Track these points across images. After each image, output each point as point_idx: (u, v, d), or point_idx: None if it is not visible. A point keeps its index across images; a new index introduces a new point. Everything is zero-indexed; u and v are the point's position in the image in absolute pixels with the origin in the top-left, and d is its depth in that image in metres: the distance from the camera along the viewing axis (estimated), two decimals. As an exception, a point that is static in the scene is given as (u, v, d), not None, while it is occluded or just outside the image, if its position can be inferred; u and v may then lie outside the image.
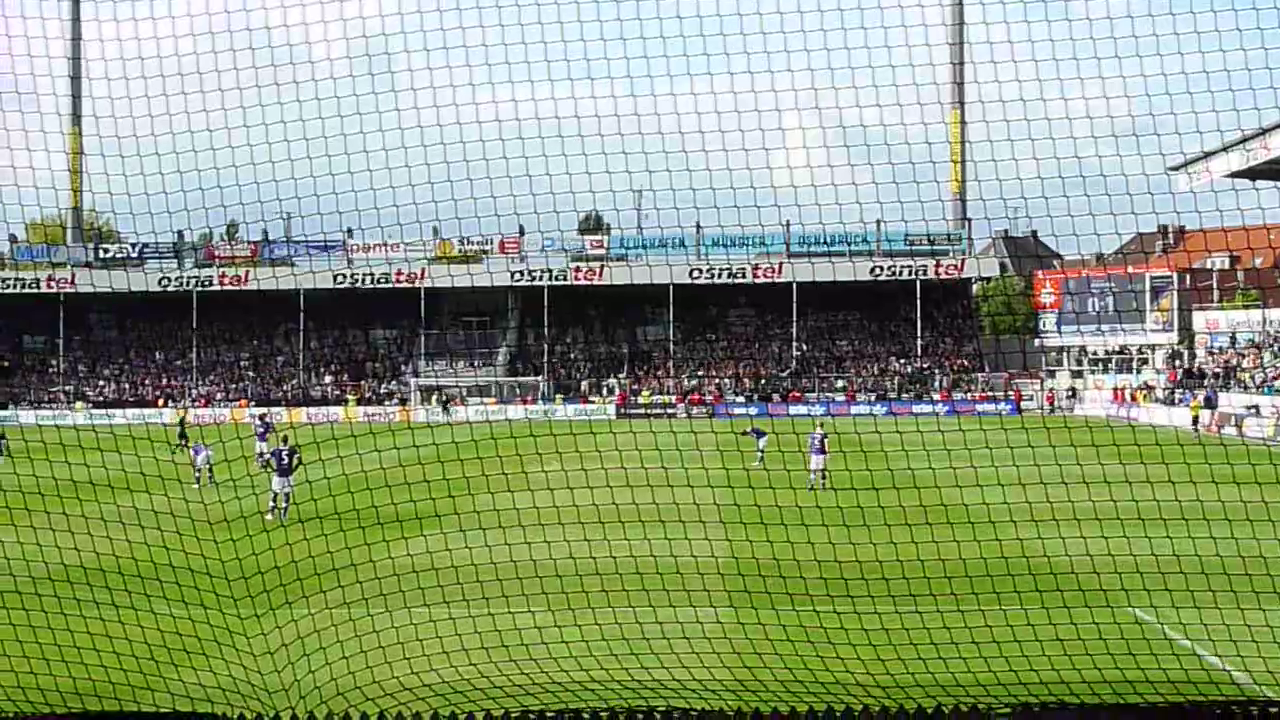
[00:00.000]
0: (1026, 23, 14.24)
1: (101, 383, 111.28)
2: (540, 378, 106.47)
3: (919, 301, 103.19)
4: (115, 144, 14.29)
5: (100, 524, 14.76)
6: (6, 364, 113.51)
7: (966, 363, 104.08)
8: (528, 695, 7.64)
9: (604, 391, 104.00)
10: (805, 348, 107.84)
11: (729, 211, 15.87)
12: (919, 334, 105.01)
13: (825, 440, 39.69)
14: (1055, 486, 16.44)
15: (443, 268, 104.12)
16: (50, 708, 5.77)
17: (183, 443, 54.00)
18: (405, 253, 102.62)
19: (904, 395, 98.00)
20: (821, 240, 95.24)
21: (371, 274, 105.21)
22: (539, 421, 77.87)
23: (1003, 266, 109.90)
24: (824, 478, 38.31)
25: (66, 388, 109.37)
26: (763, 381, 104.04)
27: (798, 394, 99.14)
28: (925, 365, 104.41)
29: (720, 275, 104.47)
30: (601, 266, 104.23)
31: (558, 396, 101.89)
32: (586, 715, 5.27)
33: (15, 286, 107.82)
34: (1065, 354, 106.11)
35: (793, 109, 14.87)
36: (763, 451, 43.67)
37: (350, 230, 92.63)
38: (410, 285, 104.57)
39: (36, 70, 15.01)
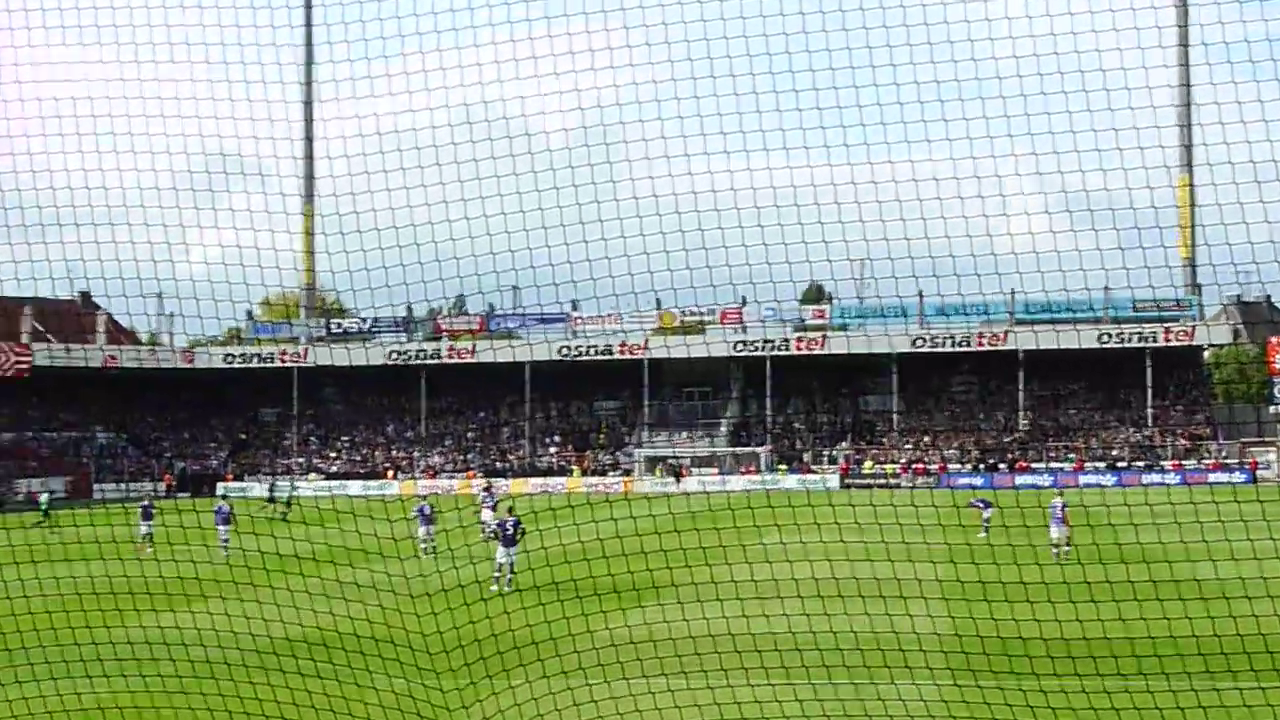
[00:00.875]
0: (1256, 83, 13.93)
1: (333, 454, 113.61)
2: (763, 448, 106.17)
3: (1149, 369, 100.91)
4: (346, 221, 14.65)
5: (324, 597, 15.03)
6: (243, 437, 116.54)
7: (1198, 431, 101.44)
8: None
9: (827, 461, 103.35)
10: (1031, 416, 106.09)
11: (951, 279, 15.72)
12: (1149, 402, 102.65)
13: (1065, 509, 39.12)
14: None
15: (665, 339, 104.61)
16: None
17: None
18: (627, 324, 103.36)
19: (1134, 465, 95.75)
20: (1047, 307, 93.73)
21: (595, 345, 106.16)
22: (761, 492, 77.60)
23: (1235, 332, 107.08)
24: (1066, 547, 37.72)
25: (299, 459, 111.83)
26: (988, 451, 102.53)
27: (1024, 464, 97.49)
28: (1155, 434, 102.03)
29: (944, 344, 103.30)
30: (824, 336, 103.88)
31: (781, 467, 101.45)
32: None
33: (251, 361, 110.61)
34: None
35: (1014, 175, 14.71)
36: (988, 522, 42.99)
37: (575, 303, 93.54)
38: (633, 357, 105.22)
39: (266, 153, 15.43)
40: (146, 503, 52.68)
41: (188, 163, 15.55)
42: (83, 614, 18.67)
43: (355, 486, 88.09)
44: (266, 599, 14.85)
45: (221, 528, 49.67)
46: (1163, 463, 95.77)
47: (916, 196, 14.34)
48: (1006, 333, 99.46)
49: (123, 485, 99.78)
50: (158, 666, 15.58)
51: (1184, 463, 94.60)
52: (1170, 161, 70.20)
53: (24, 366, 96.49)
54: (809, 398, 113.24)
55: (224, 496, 60.36)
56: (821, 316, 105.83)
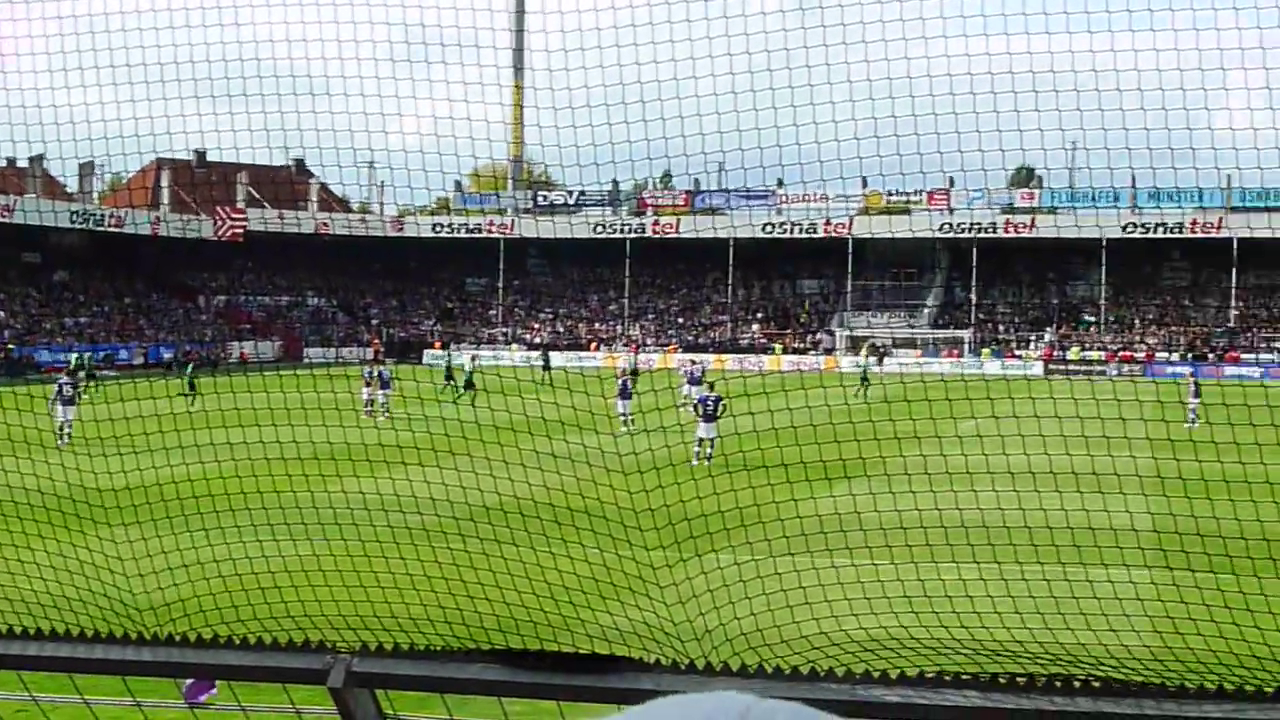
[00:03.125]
0: None
1: (537, 325, 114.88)
2: (967, 331, 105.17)
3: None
4: (554, 95, 14.67)
5: (527, 466, 15.25)
6: (450, 305, 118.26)
7: None
8: (944, 653, 7.55)
9: (1031, 346, 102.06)
10: (1243, 307, 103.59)
11: (1165, 165, 15.36)
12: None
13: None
14: None
15: (870, 219, 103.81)
16: (475, 643, 5.96)
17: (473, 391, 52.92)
18: (833, 204, 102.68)
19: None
20: (1264, 195, 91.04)
21: (800, 224, 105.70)
22: (966, 375, 76.99)
23: None
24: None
25: (504, 329, 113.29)
26: (1197, 340, 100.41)
27: (1234, 354, 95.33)
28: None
29: (1155, 230, 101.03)
30: (1032, 220, 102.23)
31: (984, 351, 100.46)
32: (1003, 680, 5.19)
33: (459, 231, 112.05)
34: None
35: (1237, 61, 14.27)
36: (1195, 412, 42.31)
37: (780, 180, 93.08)
38: (838, 236, 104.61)
39: (479, 23, 15.49)
40: (384, 370, 53.61)
41: (404, 34, 15.68)
42: (287, 478, 19.18)
43: (558, 358, 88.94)
44: (466, 467, 15.09)
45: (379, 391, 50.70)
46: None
47: (1135, 81, 13.95)
48: (1221, 220, 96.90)
49: (331, 350, 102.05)
50: (368, 531, 15.96)
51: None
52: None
53: (239, 231, 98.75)
54: (1015, 282, 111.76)
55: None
56: (1030, 199, 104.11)
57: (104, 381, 56.93)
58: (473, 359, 72.67)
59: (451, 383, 58.93)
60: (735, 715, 1.50)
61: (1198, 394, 45.08)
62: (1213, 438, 16.69)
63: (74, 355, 77.98)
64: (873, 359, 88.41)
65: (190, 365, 63.61)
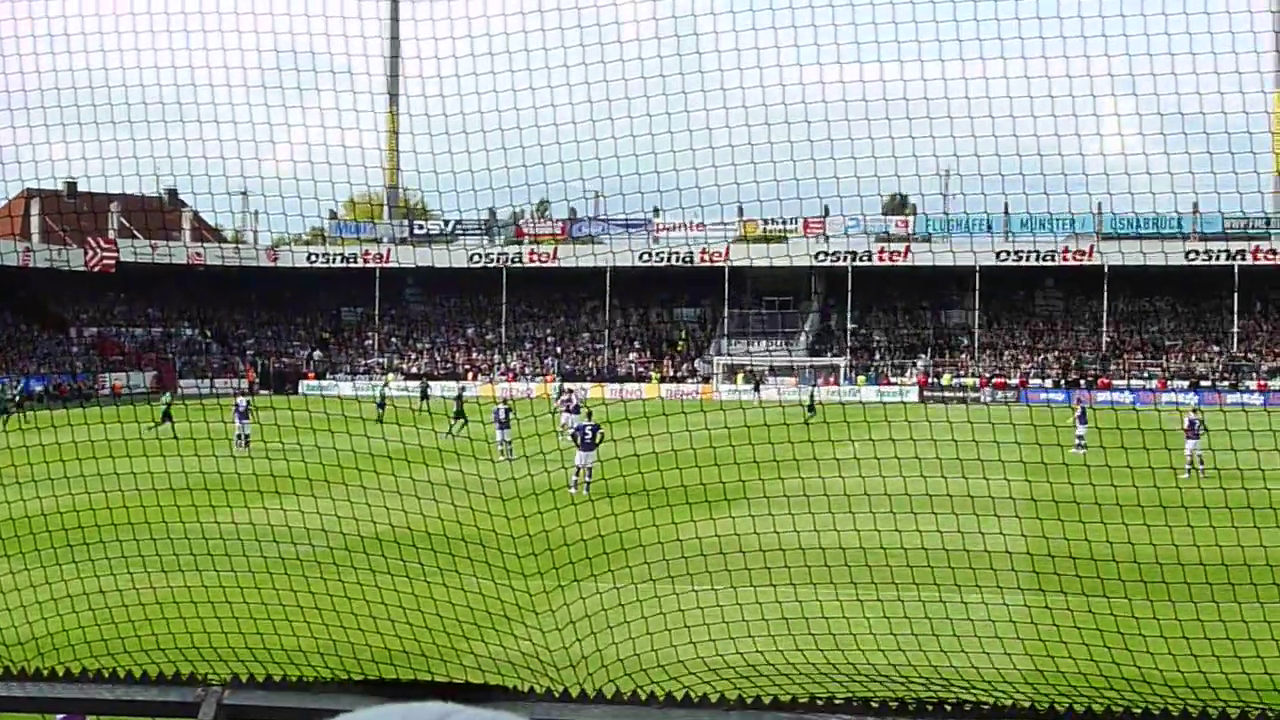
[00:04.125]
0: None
1: (414, 355, 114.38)
2: (843, 359, 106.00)
3: (1236, 288, 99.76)
4: (431, 122, 14.60)
5: (400, 496, 15.15)
6: (326, 336, 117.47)
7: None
8: (820, 681, 7.57)
9: (906, 373, 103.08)
10: (1114, 333, 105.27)
11: (1038, 193, 15.54)
12: (1235, 321, 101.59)
13: (1199, 425, 39.27)
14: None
15: (746, 247, 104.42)
16: (347, 674, 5.91)
17: (463, 421, 55.30)
18: (709, 232, 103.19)
19: (1217, 384, 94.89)
20: (1135, 223, 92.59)
21: (676, 253, 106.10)
22: (840, 402, 77.53)
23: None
24: (1200, 463, 37.77)
25: (381, 359, 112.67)
26: (1071, 366, 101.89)
27: (1106, 380, 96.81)
28: (1242, 354, 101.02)
29: (1028, 257, 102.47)
30: (906, 248, 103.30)
31: (860, 378, 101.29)
32: (875, 704, 5.21)
33: (335, 260, 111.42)
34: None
35: (1108, 92, 14.49)
36: (1082, 439, 42.60)
37: (656, 209, 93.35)
38: (714, 264, 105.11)
39: (353, 50, 15.40)
40: (242, 402, 53.46)
41: (276, 60, 15.54)
42: (159, 509, 18.94)
43: (435, 388, 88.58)
44: (343, 496, 14.97)
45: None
46: (1247, 383, 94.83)
47: (1008, 110, 14.11)
48: (1092, 248, 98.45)
49: (206, 381, 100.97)
50: (241, 562, 15.81)
51: (1269, 384, 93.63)
52: (1266, 79, 68.89)
53: (110, 262, 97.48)
54: (890, 309, 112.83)
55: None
56: (905, 227, 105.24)
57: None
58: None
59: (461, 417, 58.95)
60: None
61: (1084, 419, 45.60)
62: (1089, 461, 16.89)
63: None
64: (748, 386, 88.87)
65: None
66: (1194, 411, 41.96)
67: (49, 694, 5.91)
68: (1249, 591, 13.34)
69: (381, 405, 59.77)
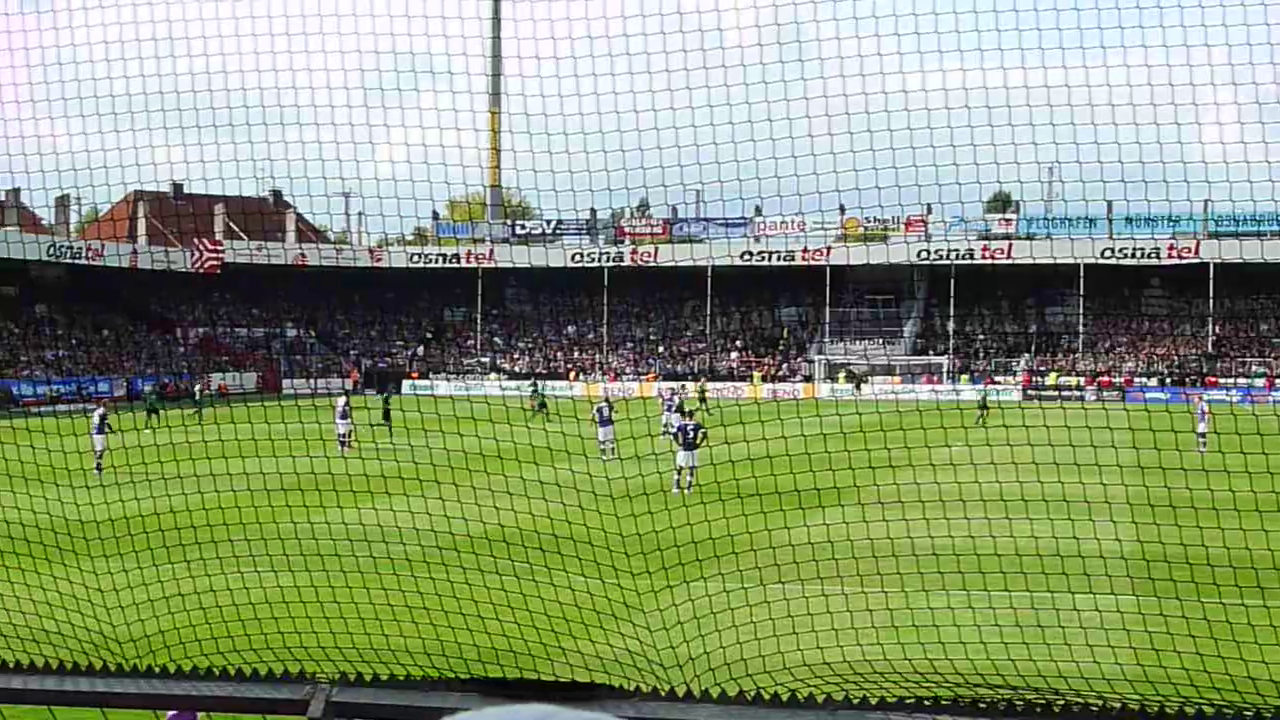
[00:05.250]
0: None
1: (516, 355, 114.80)
2: (945, 357, 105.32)
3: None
4: (532, 122, 14.68)
5: (507, 495, 15.24)
6: (429, 335, 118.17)
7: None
8: (924, 682, 7.56)
9: (1010, 372, 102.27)
10: (1221, 331, 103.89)
11: (1142, 189, 15.40)
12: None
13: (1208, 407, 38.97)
14: None
15: (848, 246, 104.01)
16: (454, 673, 5.96)
17: (543, 411, 57.01)
18: (810, 230, 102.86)
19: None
20: (1241, 219, 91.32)
21: (778, 251, 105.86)
22: (945, 401, 77.06)
23: None
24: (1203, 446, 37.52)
25: (483, 359, 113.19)
26: (1177, 365, 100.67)
27: (1213, 379, 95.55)
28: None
29: (1133, 255, 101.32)
30: (1009, 245, 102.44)
31: (963, 377, 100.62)
32: (982, 705, 5.21)
33: (437, 261, 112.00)
34: None
35: (1208, 83, 14.33)
36: (1204, 438, 41.98)
37: (758, 208, 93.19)
38: (816, 263, 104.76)
39: (453, 50, 15.50)
40: (343, 403, 53.90)
41: (377, 61, 15.69)
42: (270, 509, 19.18)
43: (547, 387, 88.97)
44: (450, 496, 15.08)
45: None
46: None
47: (1110, 103, 14.00)
48: (1198, 244, 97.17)
49: (310, 381, 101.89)
50: (350, 561, 15.99)
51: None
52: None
53: (216, 263, 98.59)
54: (993, 308, 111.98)
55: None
56: (1008, 225, 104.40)
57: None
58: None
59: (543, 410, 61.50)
60: None
61: (1204, 417, 45.00)
62: (1206, 464, 16.72)
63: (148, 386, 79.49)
64: (850, 385, 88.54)
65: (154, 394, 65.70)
66: (1203, 400, 41.42)
67: (160, 690, 6.02)
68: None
69: (543, 406, 63.01)
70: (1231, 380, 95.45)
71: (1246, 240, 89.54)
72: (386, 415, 57.53)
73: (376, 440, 47.21)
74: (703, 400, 54.77)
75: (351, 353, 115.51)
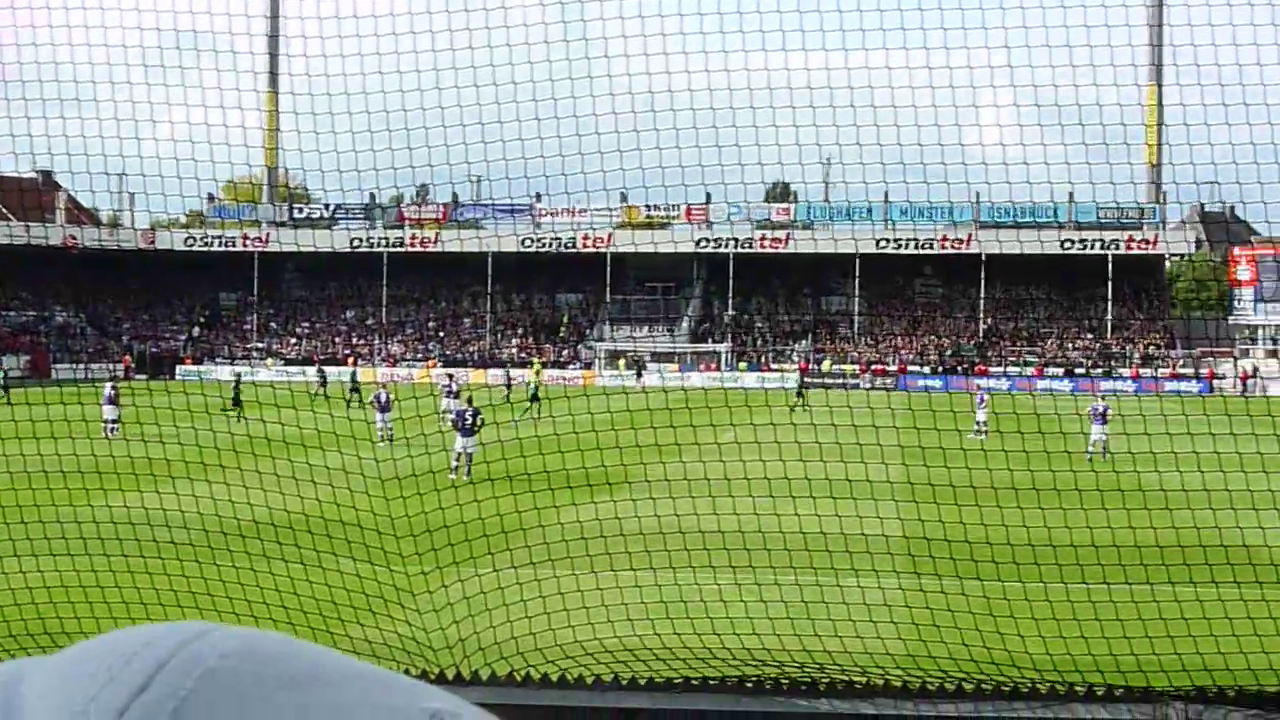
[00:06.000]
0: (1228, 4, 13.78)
1: (293, 340, 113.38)
2: (723, 345, 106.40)
3: (1110, 276, 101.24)
4: (310, 103, 14.51)
5: (282, 480, 15.04)
6: (203, 320, 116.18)
7: (1158, 339, 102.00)
8: (698, 662, 7.61)
9: (786, 360, 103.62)
10: (992, 320, 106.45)
11: (918, 181, 15.69)
12: (1110, 309, 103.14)
13: (1108, 412, 39.72)
14: (1247, 469, 16.03)
15: (629, 233, 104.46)
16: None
17: (355, 397, 55.84)
18: (592, 218, 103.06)
19: (1092, 371, 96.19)
20: (1011, 212, 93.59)
21: (559, 238, 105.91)
22: (721, 389, 77.80)
23: (1197, 242, 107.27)
24: (1105, 450, 38.26)
25: (259, 344, 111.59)
26: (948, 354, 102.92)
27: (984, 367, 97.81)
28: (1115, 341, 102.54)
29: (907, 245, 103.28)
30: (787, 235, 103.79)
31: (740, 364, 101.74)
32: (750, 685, 5.25)
33: (213, 244, 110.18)
34: (1261, 332, 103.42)
35: (987, 83, 14.65)
36: (983, 425, 42.73)
37: (539, 195, 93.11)
38: (596, 250, 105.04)
39: (235, 29, 15.26)
40: (110, 388, 52.53)
41: (158, 38, 15.34)
42: (47, 491, 18.69)
43: (314, 372, 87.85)
44: (228, 481, 14.84)
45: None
46: (1120, 370, 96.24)
47: (890, 99, 14.23)
48: (970, 236, 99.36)
49: (80, 366, 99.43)
50: (120, 546, 15.61)
51: (1142, 371, 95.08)
52: (1140, 73, 69.68)
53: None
54: (771, 296, 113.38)
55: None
56: (786, 214, 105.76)
57: None
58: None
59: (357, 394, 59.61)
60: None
61: (984, 406, 45.99)
62: (986, 446, 17.08)
63: None
64: (630, 372, 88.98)
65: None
66: (1101, 399, 42.39)
67: None
68: (1116, 573, 13.57)
69: (355, 390, 62.07)
70: (1001, 369, 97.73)
71: (1021, 230, 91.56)
72: (237, 400, 55.97)
73: (231, 428, 46.35)
74: (535, 400, 54.11)
75: (124, 337, 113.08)
